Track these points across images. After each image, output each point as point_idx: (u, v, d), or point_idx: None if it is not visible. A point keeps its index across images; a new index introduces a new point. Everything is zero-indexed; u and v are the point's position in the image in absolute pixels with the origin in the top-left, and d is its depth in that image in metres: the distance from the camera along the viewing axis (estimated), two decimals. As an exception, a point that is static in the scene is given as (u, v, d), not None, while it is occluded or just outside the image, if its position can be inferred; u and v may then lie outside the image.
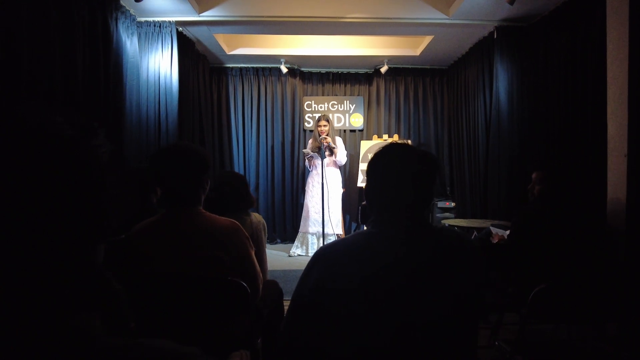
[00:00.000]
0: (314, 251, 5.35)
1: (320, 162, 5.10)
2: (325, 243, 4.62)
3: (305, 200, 5.36)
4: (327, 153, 5.06)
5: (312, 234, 5.27)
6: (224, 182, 2.29)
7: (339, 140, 5.32)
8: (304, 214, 5.36)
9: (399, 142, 1.28)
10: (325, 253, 1.14)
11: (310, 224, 5.23)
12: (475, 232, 3.82)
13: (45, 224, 0.50)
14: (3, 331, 0.47)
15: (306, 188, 5.42)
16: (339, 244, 1.16)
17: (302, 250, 5.31)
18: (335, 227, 5.07)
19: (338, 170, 5.35)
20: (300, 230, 5.37)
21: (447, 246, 1.13)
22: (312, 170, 5.37)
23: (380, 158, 1.21)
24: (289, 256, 5.24)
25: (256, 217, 2.37)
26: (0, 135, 0.49)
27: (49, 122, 0.52)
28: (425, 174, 1.17)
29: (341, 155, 5.31)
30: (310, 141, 5.40)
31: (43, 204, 0.50)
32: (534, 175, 2.46)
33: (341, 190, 5.41)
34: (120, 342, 0.53)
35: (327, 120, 5.17)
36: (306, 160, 5.40)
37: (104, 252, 0.61)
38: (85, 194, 0.54)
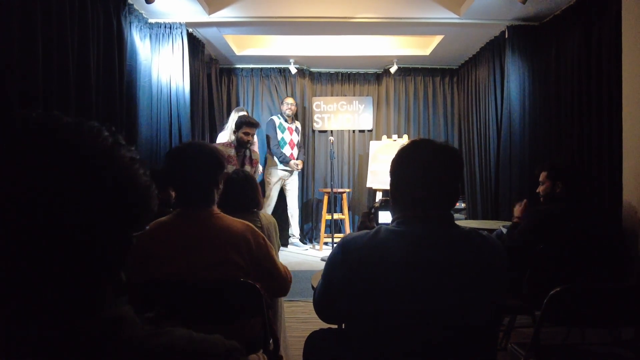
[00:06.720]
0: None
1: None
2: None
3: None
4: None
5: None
6: (235, 183, 2.28)
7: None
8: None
9: (421, 138, 1.22)
10: (346, 243, 1.15)
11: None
12: (486, 233, 3.78)
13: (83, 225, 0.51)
14: (49, 320, 0.49)
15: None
16: (361, 238, 1.13)
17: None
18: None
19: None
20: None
21: (474, 248, 1.11)
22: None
23: (403, 156, 1.17)
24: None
25: (266, 217, 2.34)
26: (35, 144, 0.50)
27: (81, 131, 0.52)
28: (448, 169, 1.14)
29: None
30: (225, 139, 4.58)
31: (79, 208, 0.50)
32: (540, 178, 2.45)
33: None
34: (162, 330, 0.53)
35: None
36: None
37: None
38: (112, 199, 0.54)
